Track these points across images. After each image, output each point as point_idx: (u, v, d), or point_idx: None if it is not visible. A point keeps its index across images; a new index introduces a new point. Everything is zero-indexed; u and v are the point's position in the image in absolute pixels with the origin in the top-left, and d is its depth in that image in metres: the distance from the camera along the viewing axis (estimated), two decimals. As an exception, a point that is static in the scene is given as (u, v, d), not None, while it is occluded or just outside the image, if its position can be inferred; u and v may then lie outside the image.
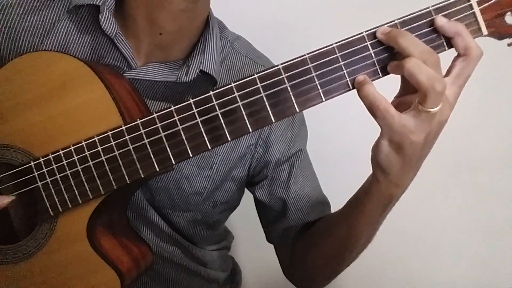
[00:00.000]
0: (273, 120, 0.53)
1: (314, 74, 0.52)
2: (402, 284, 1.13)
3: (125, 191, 0.60)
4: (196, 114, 0.53)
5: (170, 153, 0.54)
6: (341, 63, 0.52)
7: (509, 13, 0.52)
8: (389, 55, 0.52)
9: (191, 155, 0.54)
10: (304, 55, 0.52)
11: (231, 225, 1.03)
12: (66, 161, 0.56)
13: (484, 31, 0.52)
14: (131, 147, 0.54)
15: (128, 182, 0.55)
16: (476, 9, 0.51)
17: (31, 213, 0.57)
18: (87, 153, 0.55)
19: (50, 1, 0.68)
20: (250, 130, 0.53)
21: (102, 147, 0.55)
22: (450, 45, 0.52)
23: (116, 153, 0.55)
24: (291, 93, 0.52)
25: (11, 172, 0.57)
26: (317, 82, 0.52)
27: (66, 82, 0.57)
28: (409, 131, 0.49)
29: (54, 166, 0.56)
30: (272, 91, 0.52)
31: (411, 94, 0.52)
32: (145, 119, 0.54)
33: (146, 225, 0.72)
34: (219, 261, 0.87)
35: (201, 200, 0.74)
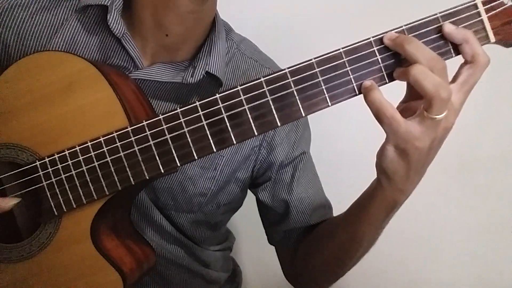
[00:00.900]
0: (279, 124, 0.53)
1: (320, 78, 0.52)
2: (402, 284, 1.13)
3: (129, 192, 0.60)
4: (202, 116, 0.53)
5: (175, 155, 0.54)
6: (348, 68, 0.52)
7: (516, 20, 0.52)
8: (396, 61, 0.52)
9: (196, 158, 0.54)
10: (311, 59, 0.52)
11: (233, 226, 1.04)
12: (71, 161, 0.56)
13: (492, 38, 0.52)
14: (136, 148, 0.55)
15: (133, 183, 0.55)
16: (484, 16, 0.51)
17: (35, 213, 0.58)
18: (92, 153, 0.55)
19: (58, 1, 0.68)
20: (256, 133, 0.53)
21: (107, 148, 0.55)
22: (457, 52, 0.52)
23: (122, 154, 0.55)
24: (297, 97, 0.52)
25: (16, 171, 0.58)
26: (323, 87, 0.52)
27: (72, 83, 0.57)
28: (415, 138, 0.49)
29: (59, 166, 0.56)
30: (278, 95, 0.52)
31: (416, 100, 0.52)
32: (151, 120, 0.54)
33: (150, 225, 0.72)
34: (221, 262, 0.87)
35: (205, 201, 0.74)
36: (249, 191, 0.83)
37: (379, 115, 0.50)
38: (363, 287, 1.13)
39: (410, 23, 0.52)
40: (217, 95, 0.53)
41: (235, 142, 0.53)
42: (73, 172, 0.56)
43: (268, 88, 0.52)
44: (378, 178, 0.56)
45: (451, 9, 0.52)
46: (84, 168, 0.56)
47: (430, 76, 0.47)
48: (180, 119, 0.54)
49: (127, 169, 0.55)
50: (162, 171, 0.55)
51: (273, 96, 0.52)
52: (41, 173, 0.57)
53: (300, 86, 0.52)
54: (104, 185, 0.55)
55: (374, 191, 0.57)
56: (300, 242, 0.78)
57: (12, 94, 0.58)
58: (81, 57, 0.57)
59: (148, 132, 0.54)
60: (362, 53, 0.52)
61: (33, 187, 0.57)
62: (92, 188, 0.56)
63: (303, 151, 0.79)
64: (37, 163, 0.56)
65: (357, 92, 0.52)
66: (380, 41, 0.51)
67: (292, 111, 0.52)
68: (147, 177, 0.55)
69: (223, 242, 0.90)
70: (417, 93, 0.49)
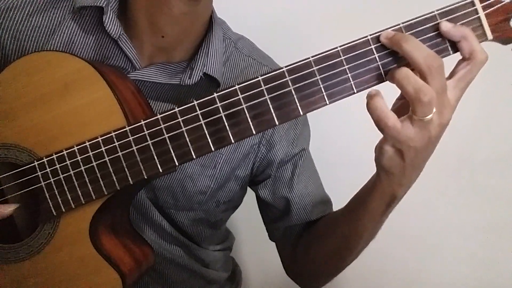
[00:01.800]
0: (277, 123, 0.53)
1: (318, 77, 0.52)
2: (402, 285, 1.13)
3: (128, 191, 0.60)
4: (200, 116, 0.53)
5: (173, 154, 0.54)
6: (346, 66, 0.52)
7: (514, 18, 0.52)
8: (393, 59, 0.52)
9: (194, 157, 0.54)
10: (309, 58, 0.52)
11: (233, 226, 1.03)
12: (70, 161, 0.56)
13: (489, 36, 0.52)
14: (134, 148, 0.55)
15: (131, 183, 0.55)
16: (481, 14, 0.51)
17: (34, 213, 0.58)
18: (90, 153, 0.55)
19: (55, 2, 0.68)
20: (254, 132, 0.53)
21: (105, 147, 0.55)
22: (455, 50, 0.52)
23: (120, 154, 0.55)
24: (295, 96, 0.52)
25: (14, 171, 0.57)
26: (321, 85, 0.52)
27: (70, 82, 0.57)
28: (410, 139, 0.50)
29: (58, 166, 0.56)
30: (276, 93, 0.52)
31: None
32: (149, 120, 0.54)
33: (149, 225, 0.72)
34: (221, 262, 0.87)
35: (205, 199, 0.74)
36: (249, 190, 0.83)
37: (380, 124, 0.50)
38: (363, 287, 1.13)
39: (407, 21, 0.52)
40: (215, 94, 0.53)
41: (233, 141, 0.53)
42: (72, 172, 0.56)
43: (265, 87, 0.52)
44: (377, 172, 0.56)
45: (448, 6, 0.52)
46: (83, 168, 0.55)
47: (411, 80, 0.48)
48: (178, 118, 0.54)
49: (126, 169, 0.55)
50: (161, 170, 0.55)
51: (271, 95, 0.52)
52: (39, 173, 0.57)
53: (298, 85, 0.52)
54: (102, 185, 0.55)
55: (374, 185, 0.58)
56: (301, 237, 0.78)
57: (10, 95, 0.58)
58: (79, 57, 0.57)
59: (146, 132, 0.54)
60: (360, 51, 0.52)
61: (31, 188, 0.57)
62: (90, 188, 0.56)
63: (303, 148, 0.79)
64: (36, 163, 0.56)
65: (355, 90, 0.52)
66: (377, 39, 0.51)
67: (290, 109, 0.52)
68: (146, 177, 0.55)
69: (223, 241, 0.90)
70: None
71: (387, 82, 0.52)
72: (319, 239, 0.73)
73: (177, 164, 0.54)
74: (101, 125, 0.56)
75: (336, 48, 0.52)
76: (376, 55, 0.52)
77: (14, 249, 0.59)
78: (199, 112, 0.53)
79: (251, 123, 0.53)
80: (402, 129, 0.49)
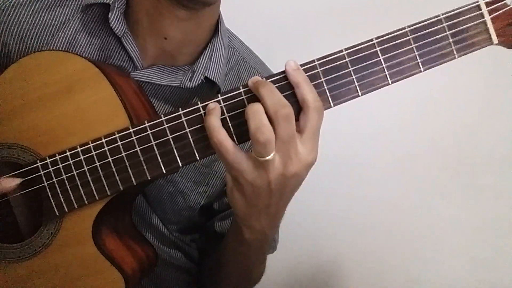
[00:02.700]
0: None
1: (323, 79, 0.52)
2: (402, 285, 1.14)
3: (131, 192, 0.60)
4: (204, 116, 0.53)
5: (177, 155, 0.54)
6: (351, 69, 0.52)
7: (520, 22, 0.52)
8: (398, 62, 0.52)
9: (198, 158, 0.54)
10: (313, 60, 0.52)
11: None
12: (73, 161, 0.56)
13: (495, 40, 0.52)
14: (138, 148, 0.54)
15: (135, 183, 0.55)
16: (487, 17, 0.51)
17: (36, 213, 0.58)
18: (93, 153, 0.55)
19: (60, 1, 0.68)
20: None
21: (109, 148, 0.55)
22: (461, 54, 0.52)
23: (123, 154, 0.55)
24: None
25: (17, 171, 0.57)
26: (325, 88, 0.52)
27: (73, 82, 0.56)
28: (243, 170, 0.49)
29: (61, 166, 0.56)
30: None
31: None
32: (153, 122, 0.54)
33: (148, 228, 0.73)
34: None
35: (193, 215, 0.75)
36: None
37: (210, 139, 0.50)
38: (363, 287, 1.13)
39: (412, 24, 0.52)
40: (220, 96, 0.53)
41: (236, 143, 0.53)
42: (75, 172, 0.56)
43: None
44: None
45: (454, 10, 0.52)
46: (86, 168, 0.55)
47: (257, 117, 0.47)
48: (182, 119, 0.53)
49: (129, 169, 0.55)
50: (164, 171, 0.55)
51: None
52: (42, 173, 0.56)
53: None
54: (105, 185, 0.55)
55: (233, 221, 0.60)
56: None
57: (12, 94, 0.58)
58: (83, 57, 0.57)
59: (149, 132, 0.54)
60: (365, 53, 0.52)
61: (34, 187, 0.57)
62: (93, 188, 0.56)
63: None
64: (39, 163, 0.56)
65: (359, 93, 0.52)
66: (383, 42, 0.51)
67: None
68: (149, 178, 0.55)
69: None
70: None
71: (391, 85, 0.52)
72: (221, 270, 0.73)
73: (180, 165, 0.54)
74: (104, 125, 0.56)
75: (341, 50, 0.52)
76: (381, 58, 0.52)
77: (17, 249, 0.58)
78: (202, 112, 0.53)
79: None
80: (234, 153, 0.49)
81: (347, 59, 0.52)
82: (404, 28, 0.52)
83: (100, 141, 0.55)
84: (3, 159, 0.58)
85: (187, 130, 0.53)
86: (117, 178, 0.55)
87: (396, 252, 1.10)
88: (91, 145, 0.55)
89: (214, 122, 0.50)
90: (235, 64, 0.75)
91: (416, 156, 1.06)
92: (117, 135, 0.55)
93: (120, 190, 0.55)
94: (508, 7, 0.51)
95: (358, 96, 0.52)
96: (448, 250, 1.10)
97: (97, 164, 0.55)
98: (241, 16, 0.89)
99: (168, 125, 0.54)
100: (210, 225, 0.77)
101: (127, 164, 0.55)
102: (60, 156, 0.56)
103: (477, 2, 0.51)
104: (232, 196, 0.53)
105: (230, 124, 0.53)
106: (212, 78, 0.68)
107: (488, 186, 1.06)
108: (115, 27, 0.64)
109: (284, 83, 0.51)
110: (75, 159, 0.56)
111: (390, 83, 0.52)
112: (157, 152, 0.54)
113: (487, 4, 0.51)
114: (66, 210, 0.56)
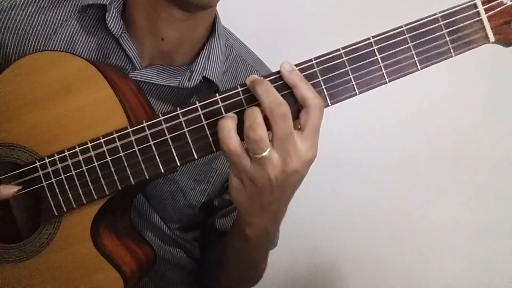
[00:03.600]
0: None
1: (320, 78, 0.52)
2: (402, 285, 1.14)
3: (129, 192, 0.60)
4: (202, 116, 0.53)
5: (175, 154, 0.54)
6: (348, 68, 0.52)
7: (516, 20, 0.52)
8: (395, 61, 0.52)
9: (196, 157, 0.54)
10: (311, 59, 0.52)
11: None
12: (71, 161, 0.56)
13: (491, 38, 0.52)
14: (136, 148, 0.55)
15: (133, 183, 0.55)
16: (483, 16, 0.51)
17: (35, 213, 0.58)
18: (92, 153, 0.55)
19: (58, 2, 0.68)
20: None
21: (107, 147, 0.55)
22: (457, 52, 0.52)
23: (122, 154, 0.55)
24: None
25: (16, 171, 0.57)
26: (323, 87, 0.52)
27: (72, 82, 0.57)
28: (248, 171, 0.50)
29: (59, 166, 0.56)
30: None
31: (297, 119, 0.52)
32: (151, 122, 0.54)
33: (148, 227, 0.73)
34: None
35: (194, 213, 0.75)
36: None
37: (222, 145, 0.50)
38: (363, 287, 1.13)
39: (409, 23, 0.52)
40: (218, 96, 0.53)
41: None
42: (73, 172, 0.56)
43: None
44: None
45: (450, 8, 0.52)
46: (84, 168, 0.55)
47: (252, 117, 0.48)
48: (180, 118, 0.54)
49: (127, 169, 0.55)
50: (162, 170, 0.55)
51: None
52: (40, 173, 0.57)
53: None
54: (104, 185, 0.55)
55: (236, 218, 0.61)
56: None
57: (11, 94, 0.58)
58: (81, 57, 0.57)
59: (148, 132, 0.54)
60: (362, 52, 0.52)
61: (33, 187, 0.57)
62: (92, 188, 0.56)
63: None
64: (37, 163, 0.56)
65: (357, 92, 0.52)
66: (380, 41, 0.52)
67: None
68: (147, 177, 0.55)
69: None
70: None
71: (391, 83, 0.52)
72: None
73: (179, 164, 0.54)
74: (103, 125, 0.56)
75: (339, 49, 0.52)
76: (378, 57, 0.52)
77: (15, 249, 0.59)
78: (201, 112, 0.53)
79: None
80: (242, 155, 0.49)
81: (344, 58, 0.52)
82: (401, 27, 0.52)
83: (98, 141, 0.55)
84: (2, 159, 0.58)
85: (185, 129, 0.54)
86: (116, 178, 0.55)
87: (396, 252, 1.10)
88: (89, 145, 0.55)
89: (231, 125, 0.50)
90: (233, 62, 0.75)
91: (416, 156, 1.06)
92: (115, 135, 0.55)
93: (119, 190, 0.56)
94: (504, 6, 0.51)
95: (356, 95, 0.53)
96: (448, 250, 1.10)
97: (96, 164, 0.55)
98: (239, 15, 0.89)
99: (166, 124, 0.54)
100: (211, 223, 0.77)
101: (126, 164, 0.55)
102: (58, 156, 0.56)
103: (474, 0, 0.52)
104: (236, 195, 0.54)
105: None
106: (210, 78, 0.68)
107: (488, 186, 1.06)
108: (112, 27, 0.64)
109: (282, 82, 0.51)
110: (74, 159, 0.56)
111: (387, 81, 0.52)
112: (155, 152, 0.54)
113: (483, 3, 0.51)
114: (65, 210, 0.57)
